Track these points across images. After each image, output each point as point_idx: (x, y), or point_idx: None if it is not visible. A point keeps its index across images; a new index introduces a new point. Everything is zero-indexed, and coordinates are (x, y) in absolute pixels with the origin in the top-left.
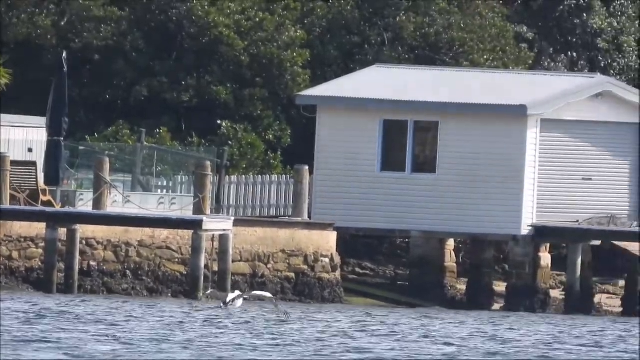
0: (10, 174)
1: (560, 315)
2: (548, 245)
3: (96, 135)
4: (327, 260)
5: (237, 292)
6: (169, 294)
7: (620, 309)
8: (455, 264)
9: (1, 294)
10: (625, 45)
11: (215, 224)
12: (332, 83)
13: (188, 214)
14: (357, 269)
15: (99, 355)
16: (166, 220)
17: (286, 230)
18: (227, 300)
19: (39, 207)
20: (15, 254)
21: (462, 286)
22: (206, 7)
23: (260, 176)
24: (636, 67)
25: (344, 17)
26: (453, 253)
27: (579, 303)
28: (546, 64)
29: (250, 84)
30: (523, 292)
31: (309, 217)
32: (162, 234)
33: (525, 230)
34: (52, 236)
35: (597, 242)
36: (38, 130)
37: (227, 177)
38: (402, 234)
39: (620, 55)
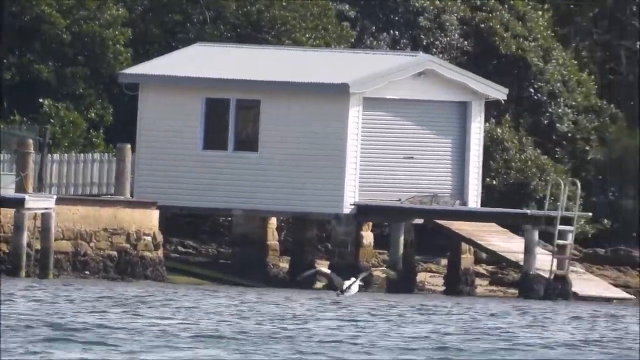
0: None
1: (383, 294)
2: (370, 223)
3: None
4: (149, 238)
5: (352, 279)
6: None
7: (443, 288)
8: (277, 243)
9: None
10: (447, 23)
11: (38, 203)
12: (154, 61)
13: (10, 192)
14: (180, 248)
15: None
16: None
17: (108, 209)
18: (344, 287)
19: None
20: None
21: (284, 264)
22: None
23: (82, 154)
24: (458, 45)
25: None
26: (275, 231)
27: (402, 281)
28: (368, 42)
29: (72, 63)
30: (345, 271)
31: (132, 195)
32: None
33: (347, 208)
34: None
35: (420, 221)
36: None
37: (50, 155)
38: (224, 213)
39: (442, 34)
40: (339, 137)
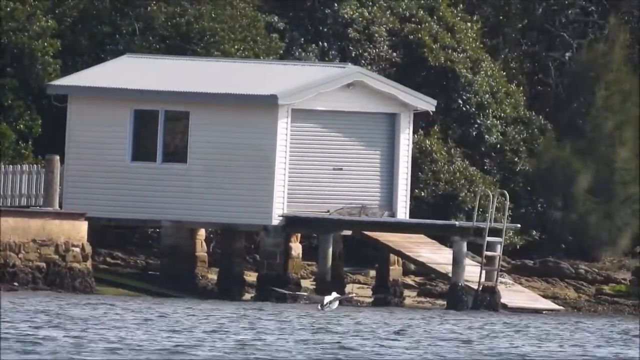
0: None
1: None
2: (299, 235)
3: None
4: (78, 250)
5: (334, 294)
6: None
7: (371, 299)
8: (206, 254)
9: None
10: (376, 35)
11: None
12: (83, 73)
13: None
14: (109, 259)
15: None
16: None
17: (37, 220)
18: (325, 302)
19: None
20: None
21: (213, 276)
22: None
23: (11, 166)
24: (387, 56)
25: (95, 7)
26: (204, 243)
27: (330, 293)
28: (297, 53)
29: (0, 74)
30: (274, 282)
31: (60, 207)
32: None
33: (276, 220)
34: None
35: (349, 232)
36: None
37: None
38: (153, 224)
39: (371, 45)
40: (267, 148)
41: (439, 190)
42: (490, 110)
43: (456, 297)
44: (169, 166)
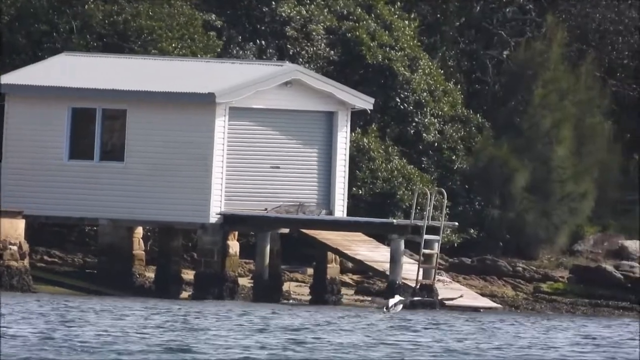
0: None
1: (249, 303)
2: (236, 233)
3: None
4: (15, 248)
5: (398, 298)
6: None
7: (309, 297)
8: (143, 252)
9: None
10: (314, 33)
11: None
12: (21, 71)
13: None
14: (46, 257)
15: None
16: None
17: None
18: (390, 305)
19: None
20: None
21: (150, 274)
22: None
23: None
24: (325, 55)
25: (32, 5)
26: (142, 241)
27: (268, 291)
28: (235, 52)
29: None
30: (211, 280)
31: None
32: None
33: (213, 218)
34: None
35: (286, 230)
36: None
37: None
38: (90, 222)
39: (309, 44)
40: (205, 146)
41: (377, 188)
42: (428, 108)
43: (394, 295)
44: (107, 164)
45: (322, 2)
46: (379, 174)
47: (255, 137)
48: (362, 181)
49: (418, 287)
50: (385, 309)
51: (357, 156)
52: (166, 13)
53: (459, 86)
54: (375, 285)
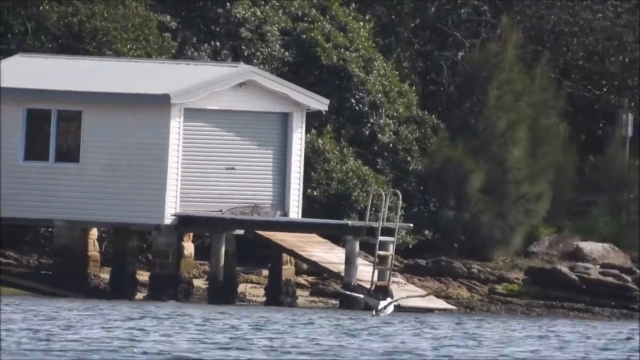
0: None
1: (203, 305)
2: (191, 234)
3: None
4: None
5: (389, 299)
6: None
7: (264, 299)
8: (98, 253)
9: None
10: (269, 34)
11: None
12: None
13: None
14: (1, 259)
15: None
16: None
17: None
18: (379, 307)
19: None
20: None
21: (105, 275)
22: None
23: None
24: (279, 56)
25: None
26: (96, 242)
27: (223, 292)
28: (189, 53)
29: None
30: (166, 282)
31: None
32: None
33: (168, 219)
34: None
35: (241, 232)
36: None
37: None
38: (45, 223)
39: (264, 45)
40: (160, 147)
41: (332, 189)
42: (383, 109)
43: (349, 297)
44: (62, 165)
45: (277, 3)
46: (334, 175)
47: (210, 138)
48: (317, 182)
49: (373, 288)
50: (374, 312)
51: (312, 157)
52: (121, 14)
53: (414, 87)
54: (330, 287)
